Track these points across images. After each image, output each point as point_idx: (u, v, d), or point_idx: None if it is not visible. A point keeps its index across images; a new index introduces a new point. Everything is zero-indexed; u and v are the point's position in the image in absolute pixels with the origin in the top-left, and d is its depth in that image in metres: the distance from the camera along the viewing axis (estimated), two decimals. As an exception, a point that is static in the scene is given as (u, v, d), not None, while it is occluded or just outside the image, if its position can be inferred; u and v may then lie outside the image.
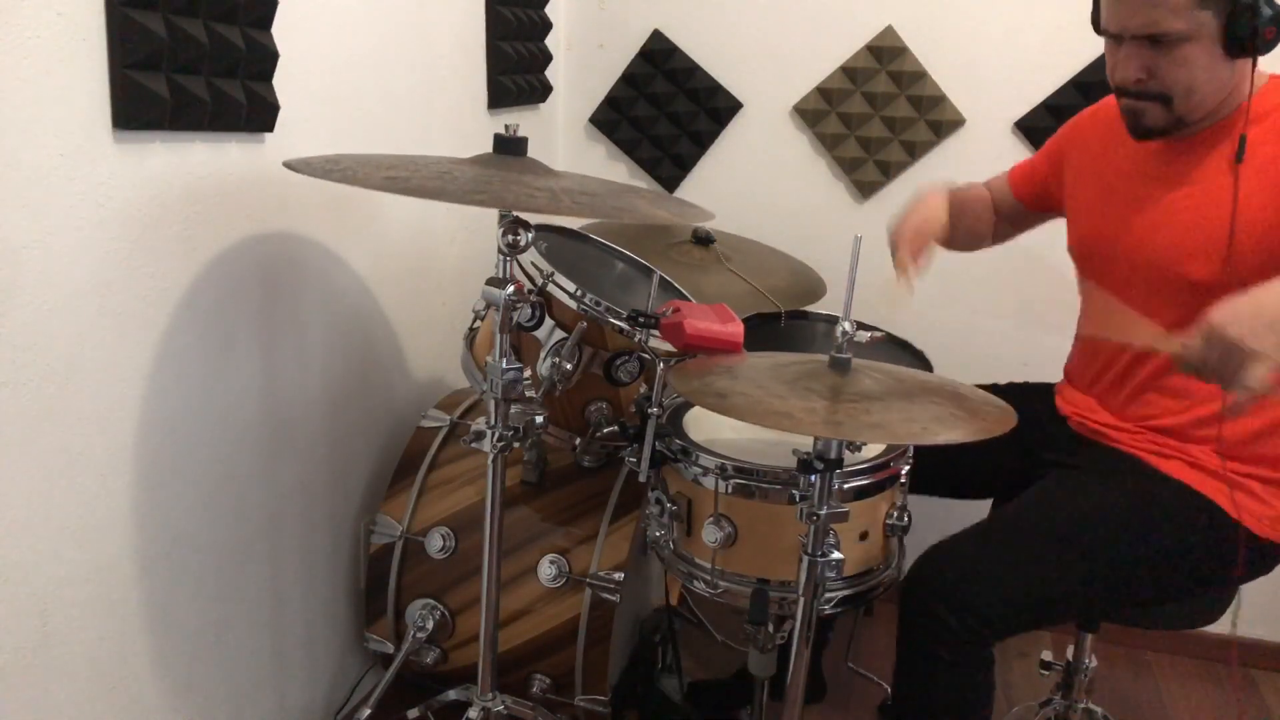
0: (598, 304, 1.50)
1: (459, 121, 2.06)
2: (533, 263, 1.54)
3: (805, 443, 1.23)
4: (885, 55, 2.31)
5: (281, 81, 1.44)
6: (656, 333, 1.48)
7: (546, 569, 1.68)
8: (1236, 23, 1.29)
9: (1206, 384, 1.22)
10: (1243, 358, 1.12)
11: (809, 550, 1.23)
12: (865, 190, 2.41)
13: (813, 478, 1.22)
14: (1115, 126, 1.56)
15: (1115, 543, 1.41)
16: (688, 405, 1.58)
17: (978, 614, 1.36)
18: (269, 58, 1.39)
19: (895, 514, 1.42)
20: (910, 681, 1.43)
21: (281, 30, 1.42)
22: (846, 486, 1.35)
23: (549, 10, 2.38)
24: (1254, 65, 1.36)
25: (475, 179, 1.22)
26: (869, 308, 1.69)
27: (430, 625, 1.73)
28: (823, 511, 1.21)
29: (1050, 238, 1.77)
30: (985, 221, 1.78)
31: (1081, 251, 1.62)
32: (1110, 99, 1.57)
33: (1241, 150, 1.36)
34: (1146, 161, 1.50)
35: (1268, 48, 1.31)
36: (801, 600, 1.25)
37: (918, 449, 1.47)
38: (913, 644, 1.41)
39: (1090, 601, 1.48)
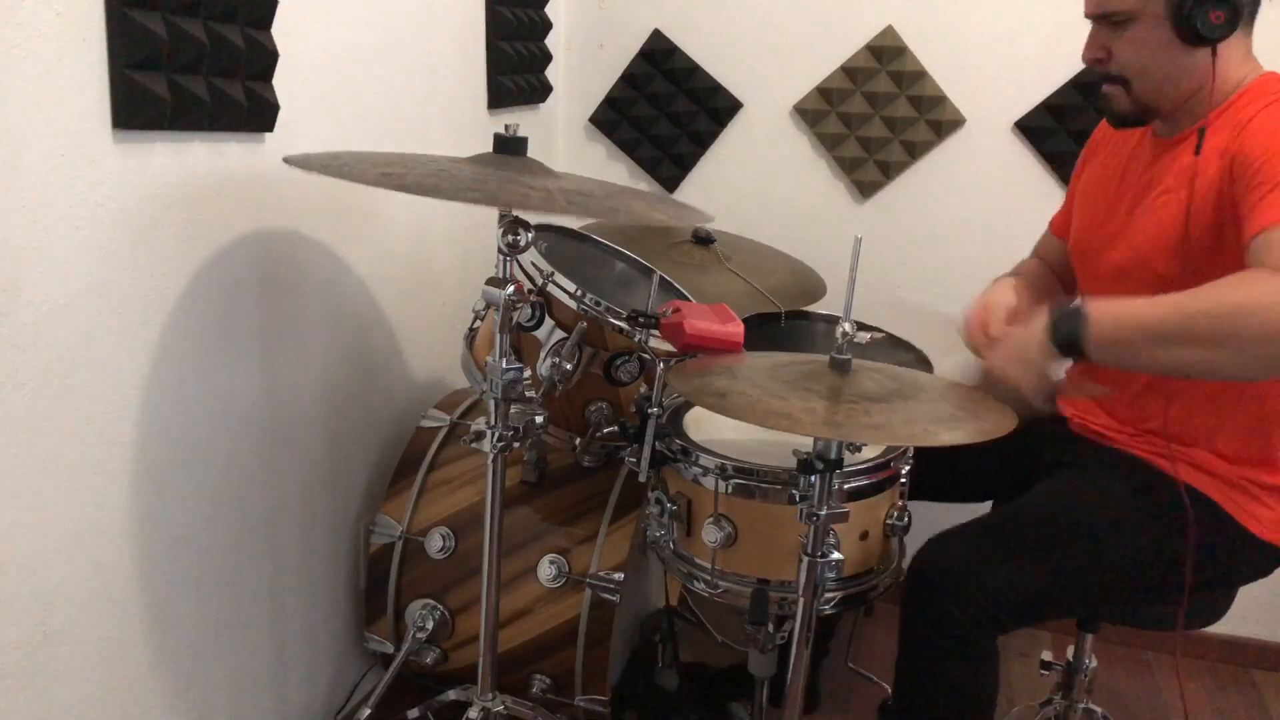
0: (598, 304, 1.50)
1: (459, 121, 2.06)
2: (533, 263, 1.54)
3: (805, 443, 1.23)
4: (885, 55, 2.31)
5: (281, 81, 1.44)
6: (656, 333, 1.48)
7: (546, 569, 1.68)
8: (1180, 4, 1.30)
9: (1201, 388, 1.38)
10: (1012, 390, 1.28)
11: (809, 551, 1.23)
12: (865, 190, 2.41)
13: (812, 478, 1.22)
14: (1115, 137, 1.58)
15: (1120, 539, 1.41)
16: (688, 405, 1.58)
17: (982, 605, 1.36)
18: (269, 58, 1.39)
19: (895, 514, 1.42)
20: (913, 673, 1.43)
21: (281, 30, 1.42)
22: (846, 487, 1.35)
23: (549, 10, 2.38)
24: (1214, 54, 1.34)
25: (471, 177, 1.22)
26: (869, 308, 1.69)
27: (430, 625, 1.73)
28: (823, 512, 1.21)
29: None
30: (1050, 281, 1.74)
31: (1076, 253, 1.63)
32: None
33: (1200, 144, 1.37)
34: (1135, 165, 1.52)
35: (1218, 33, 1.31)
36: (801, 600, 1.25)
37: (918, 454, 1.47)
38: (916, 635, 1.41)
39: (1093, 596, 1.47)
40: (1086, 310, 1.22)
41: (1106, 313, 1.22)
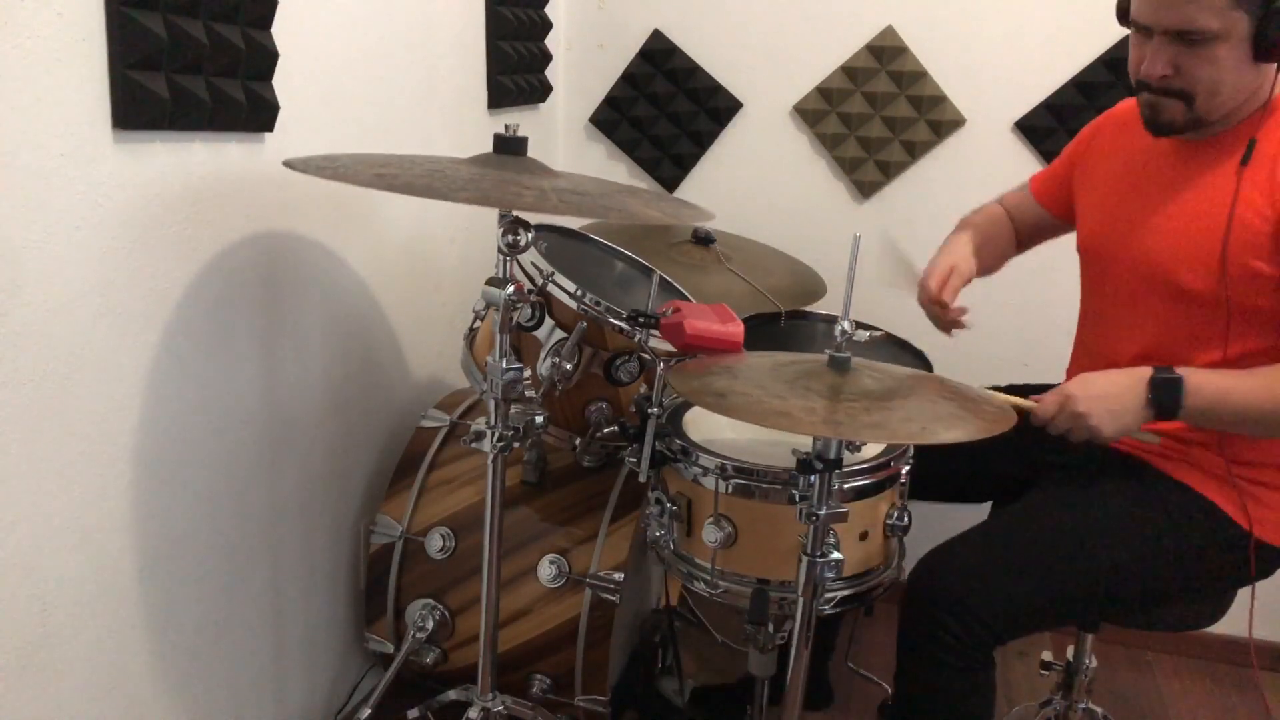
0: (598, 304, 1.50)
1: (459, 121, 2.07)
2: (533, 263, 1.54)
3: (805, 442, 1.23)
4: (885, 55, 2.31)
5: (281, 81, 1.44)
6: (656, 333, 1.48)
7: (546, 569, 1.68)
8: (1269, 25, 1.26)
9: None
10: (1085, 429, 1.33)
11: (808, 550, 1.23)
12: (865, 190, 2.41)
13: (812, 478, 1.22)
14: (1132, 128, 1.54)
15: (1118, 547, 1.41)
16: (688, 405, 1.58)
17: (981, 620, 1.36)
18: (269, 58, 1.39)
19: (895, 514, 1.42)
20: (912, 686, 1.43)
21: (281, 30, 1.42)
22: (846, 486, 1.35)
23: (549, 10, 2.38)
24: (1278, 70, 1.33)
25: (466, 177, 1.22)
26: (869, 307, 1.69)
27: (430, 625, 1.73)
28: (822, 512, 1.21)
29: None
30: (1006, 240, 1.76)
31: (1086, 253, 1.61)
32: (1127, 101, 1.57)
33: (1249, 153, 1.35)
34: (1158, 164, 1.48)
35: None
36: (801, 601, 1.25)
37: (918, 453, 1.47)
38: (915, 649, 1.41)
39: (1093, 605, 1.48)
40: (1186, 384, 1.31)
41: (1204, 388, 1.32)
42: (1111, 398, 1.33)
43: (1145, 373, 1.33)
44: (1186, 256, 1.39)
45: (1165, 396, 1.31)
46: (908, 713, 1.44)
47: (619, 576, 1.65)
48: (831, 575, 1.25)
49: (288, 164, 1.21)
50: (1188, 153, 1.44)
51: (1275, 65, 1.33)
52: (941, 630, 1.36)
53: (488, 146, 1.35)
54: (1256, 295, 1.35)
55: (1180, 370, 1.32)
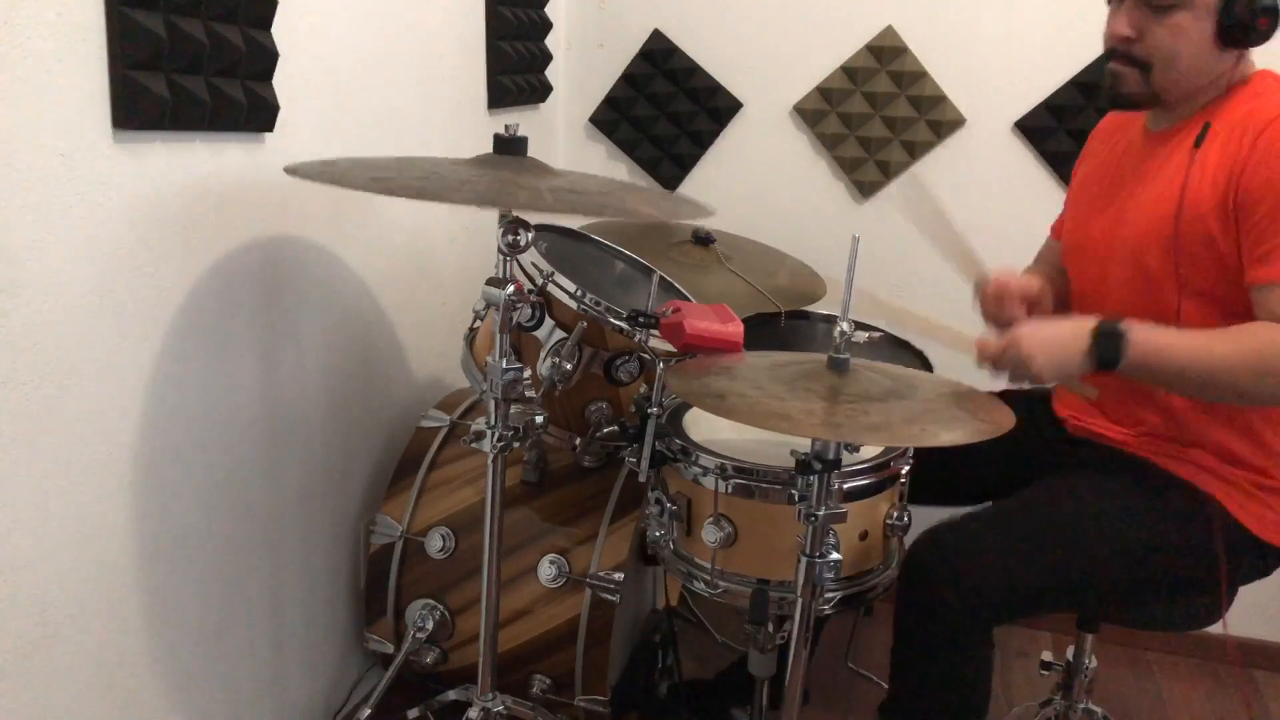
0: (598, 304, 1.50)
1: (459, 121, 2.07)
2: (533, 263, 1.54)
3: (803, 443, 1.23)
4: (885, 55, 2.31)
5: (281, 81, 1.44)
6: (656, 333, 1.48)
7: (546, 569, 1.68)
8: (1235, 3, 1.30)
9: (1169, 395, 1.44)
10: (1027, 372, 1.32)
11: (807, 551, 1.23)
12: (865, 190, 2.41)
13: (810, 478, 1.22)
14: (1114, 132, 1.58)
15: (1120, 534, 1.41)
16: (688, 405, 1.58)
17: (980, 594, 1.36)
18: (269, 58, 1.39)
19: (895, 514, 1.42)
20: (908, 659, 1.43)
21: (281, 30, 1.42)
22: (846, 486, 1.35)
23: (549, 10, 2.38)
24: (1239, 58, 1.36)
25: (461, 178, 1.22)
26: (869, 308, 1.69)
27: (430, 625, 1.73)
28: (821, 512, 1.21)
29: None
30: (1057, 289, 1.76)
31: (1068, 248, 1.63)
32: (1112, 113, 1.62)
33: (1202, 136, 1.37)
34: (1130, 160, 1.52)
35: (1259, 37, 1.33)
36: (800, 601, 1.25)
37: (917, 455, 1.47)
38: (912, 621, 1.41)
39: (1091, 591, 1.47)
40: (1130, 337, 1.30)
41: (1147, 343, 1.30)
42: (1055, 343, 1.33)
43: (1090, 322, 1.32)
44: (1149, 239, 1.41)
45: (1108, 347, 1.30)
46: (902, 686, 1.44)
47: (619, 576, 1.65)
48: (830, 575, 1.25)
49: (288, 170, 1.22)
50: (1154, 143, 1.48)
51: (1236, 54, 1.36)
52: (939, 602, 1.36)
53: (488, 146, 1.35)
54: (1203, 277, 1.37)
55: (1125, 324, 1.31)
